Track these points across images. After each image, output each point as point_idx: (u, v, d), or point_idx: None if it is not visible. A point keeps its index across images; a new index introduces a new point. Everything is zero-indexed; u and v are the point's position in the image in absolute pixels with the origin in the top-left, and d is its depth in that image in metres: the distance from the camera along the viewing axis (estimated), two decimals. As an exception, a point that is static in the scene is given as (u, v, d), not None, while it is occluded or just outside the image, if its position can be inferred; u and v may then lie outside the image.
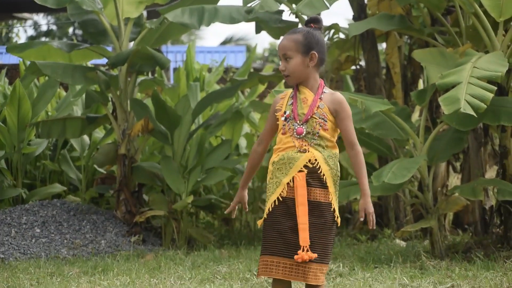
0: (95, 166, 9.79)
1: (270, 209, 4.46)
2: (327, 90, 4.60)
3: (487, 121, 7.32)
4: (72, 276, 6.90)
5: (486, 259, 7.32)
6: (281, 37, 4.77)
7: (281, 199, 4.46)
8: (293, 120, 4.51)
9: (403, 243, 8.61)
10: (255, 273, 6.77)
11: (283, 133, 4.53)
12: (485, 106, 6.53)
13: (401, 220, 9.40)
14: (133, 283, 6.52)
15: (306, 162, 4.45)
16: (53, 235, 8.51)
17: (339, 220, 4.57)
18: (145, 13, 9.40)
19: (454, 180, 10.17)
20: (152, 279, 6.67)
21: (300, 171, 4.44)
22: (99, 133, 10.28)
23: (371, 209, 4.51)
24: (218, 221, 10.31)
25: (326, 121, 4.51)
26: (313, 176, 4.45)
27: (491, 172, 9.42)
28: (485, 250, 7.68)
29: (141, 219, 8.67)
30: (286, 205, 4.45)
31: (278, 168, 4.49)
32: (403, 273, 6.77)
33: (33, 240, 8.37)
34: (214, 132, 9.31)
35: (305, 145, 4.47)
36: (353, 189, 7.75)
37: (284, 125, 4.53)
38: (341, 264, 7.12)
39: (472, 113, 6.45)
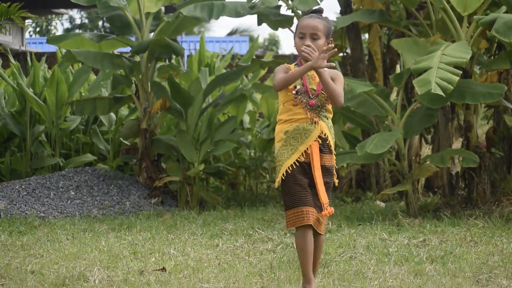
0: (121, 138, 9.74)
1: (289, 171, 4.39)
2: (325, 68, 4.53)
3: (454, 100, 7.33)
4: (102, 232, 6.90)
5: (453, 217, 7.31)
6: (306, 17, 4.49)
7: (297, 164, 4.40)
8: (305, 94, 4.41)
9: (382, 204, 8.60)
10: (257, 230, 6.76)
11: (295, 105, 4.43)
12: (452, 88, 6.55)
13: (381, 184, 9.37)
14: (153, 238, 6.51)
15: (320, 134, 4.42)
16: (85, 197, 8.48)
17: (336, 180, 4.68)
18: (163, 8, 9.33)
19: (426, 150, 10.13)
20: (169, 235, 6.66)
21: (314, 140, 4.40)
22: (124, 110, 10.23)
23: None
24: (225, 186, 10.29)
25: None
26: (324, 145, 4.44)
27: (457, 143, 9.38)
28: (452, 209, 7.67)
29: (160, 184, 8.65)
30: (303, 167, 4.42)
31: (293, 137, 4.41)
32: (382, 229, 6.76)
33: (69, 201, 8.35)
34: (221, 110, 9.26)
35: (315, 116, 4.41)
36: (340, 158, 7.71)
37: (295, 97, 4.42)
38: (330, 222, 7.11)
39: (441, 93, 6.46)
